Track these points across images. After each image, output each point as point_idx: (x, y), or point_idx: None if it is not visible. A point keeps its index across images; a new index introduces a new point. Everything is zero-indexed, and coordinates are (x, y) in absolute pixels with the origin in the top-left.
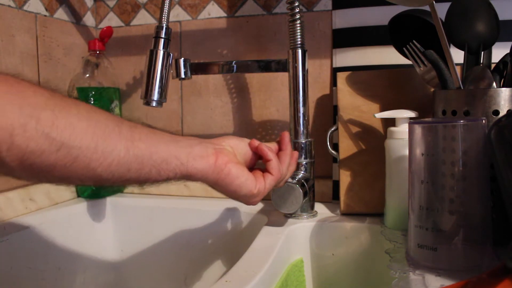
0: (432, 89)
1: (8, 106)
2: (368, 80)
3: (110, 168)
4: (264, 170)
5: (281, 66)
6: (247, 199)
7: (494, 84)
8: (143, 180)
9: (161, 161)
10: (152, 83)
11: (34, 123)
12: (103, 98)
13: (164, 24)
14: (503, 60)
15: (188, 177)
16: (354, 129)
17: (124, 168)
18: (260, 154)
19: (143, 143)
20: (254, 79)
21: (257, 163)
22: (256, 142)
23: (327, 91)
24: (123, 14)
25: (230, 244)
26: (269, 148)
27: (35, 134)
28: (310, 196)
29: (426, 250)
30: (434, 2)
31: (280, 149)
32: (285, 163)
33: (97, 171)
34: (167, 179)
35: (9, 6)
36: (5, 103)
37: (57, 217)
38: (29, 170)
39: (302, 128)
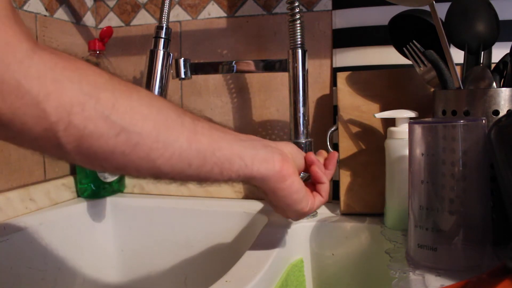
0: (432, 89)
1: (67, 82)
2: (368, 80)
3: (170, 161)
4: (313, 189)
5: (281, 66)
6: (296, 215)
7: (494, 84)
8: (204, 178)
9: (225, 159)
10: (152, 83)
11: (94, 103)
12: None
13: (164, 24)
14: (503, 60)
15: (250, 180)
16: (354, 129)
17: (185, 162)
18: (314, 175)
19: (206, 137)
20: (254, 79)
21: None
22: (312, 157)
23: (327, 91)
24: (123, 14)
25: (230, 244)
26: (322, 169)
27: (94, 114)
28: None
29: (426, 250)
30: (434, 2)
31: (325, 167)
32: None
33: (156, 163)
34: (228, 180)
35: None
36: (63, 78)
37: (57, 217)
38: (86, 155)
39: (302, 128)
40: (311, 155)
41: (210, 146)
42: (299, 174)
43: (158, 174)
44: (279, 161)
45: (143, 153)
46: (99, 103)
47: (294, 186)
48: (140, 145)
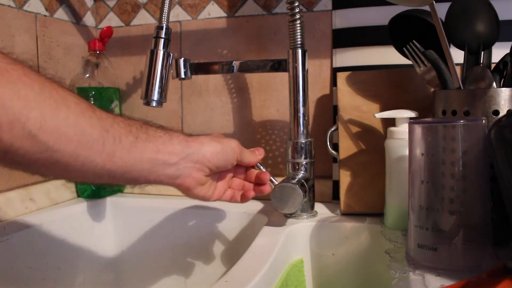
0: (432, 89)
1: None
2: (368, 80)
3: (84, 176)
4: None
5: (281, 66)
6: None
7: (494, 84)
8: (109, 185)
9: (131, 179)
10: (152, 83)
11: (23, 122)
12: (103, 98)
13: (164, 24)
14: (503, 60)
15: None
16: (354, 129)
17: (96, 177)
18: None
19: (121, 160)
20: (254, 79)
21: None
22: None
23: (327, 91)
24: (123, 14)
25: (230, 244)
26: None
27: (22, 134)
28: (310, 196)
29: (426, 250)
30: (434, 2)
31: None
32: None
33: (71, 175)
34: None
35: (9, 6)
36: None
37: (57, 217)
38: (9, 163)
39: (302, 128)
40: (258, 152)
41: (121, 169)
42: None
43: (70, 180)
44: (182, 179)
45: (61, 168)
46: (28, 122)
47: (191, 193)
48: (61, 162)
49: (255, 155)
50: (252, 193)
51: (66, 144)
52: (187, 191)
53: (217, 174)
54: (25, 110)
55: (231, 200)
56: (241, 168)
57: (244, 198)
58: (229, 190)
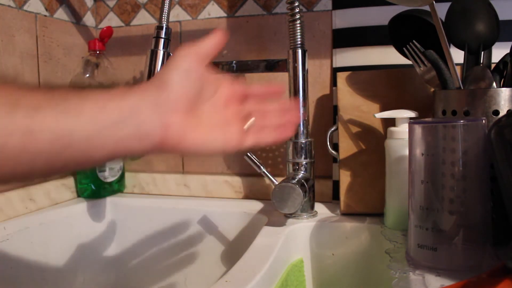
0: (432, 89)
1: None
2: (368, 80)
3: (5, 168)
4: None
5: (281, 66)
6: (215, 152)
7: (494, 84)
8: (60, 172)
9: (80, 156)
10: None
11: None
12: None
13: (164, 24)
14: (503, 60)
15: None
16: (354, 129)
17: (26, 167)
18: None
19: (48, 133)
20: (254, 79)
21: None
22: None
23: (327, 91)
24: (123, 14)
25: (230, 244)
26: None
27: None
28: (310, 196)
29: (426, 250)
30: (434, 2)
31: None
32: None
33: None
34: (94, 165)
35: (9, 6)
36: None
37: (57, 217)
38: None
39: (302, 128)
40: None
41: (54, 145)
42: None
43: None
44: (158, 131)
45: None
46: None
47: (195, 142)
48: None
49: (213, 36)
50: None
51: None
52: (178, 146)
53: (201, 106)
54: None
55: (257, 141)
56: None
57: (293, 119)
58: (249, 133)
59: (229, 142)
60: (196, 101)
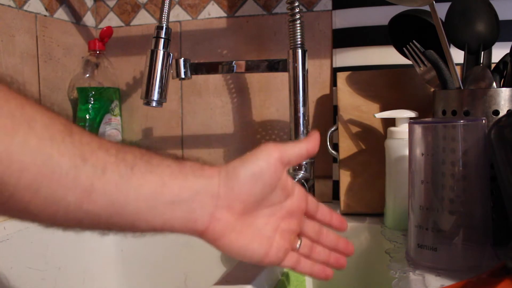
0: (432, 89)
1: None
2: (368, 80)
3: (54, 218)
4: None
5: (281, 66)
6: (254, 263)
7: (494, 84)
8: (103, 232)
9: (125, 224)
10: (152, 83)
11: None
12: (103, 98)
13: (164, 24)
14: (503, 60)
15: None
16: (354, 129)
17: (74, 222)
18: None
19: (105, 198)
20: (254, 79)
21: None
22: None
23: (327, 91)
24: (123, 14)
25: None
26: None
27: None
28: None
29: (426, 250)
30: (434, 2)
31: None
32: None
33: (38, 216)
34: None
35: (9, 6)
36: None
37: None
38: None
39: (302, 128)
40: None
41: (106, 211)
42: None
43: (41, 224)
44: (203, 222)
45: (20, 206)
46: None
47: (232, 247)
48: (16, 198)
49: (305, 143)
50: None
51: (20, 174)
52: (216, 242)
53: (260, 211)
54: None
55: (313, 272)
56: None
57: (336, 264)
58: (301, 257)
59: (270, 257)
60: (258, 205)
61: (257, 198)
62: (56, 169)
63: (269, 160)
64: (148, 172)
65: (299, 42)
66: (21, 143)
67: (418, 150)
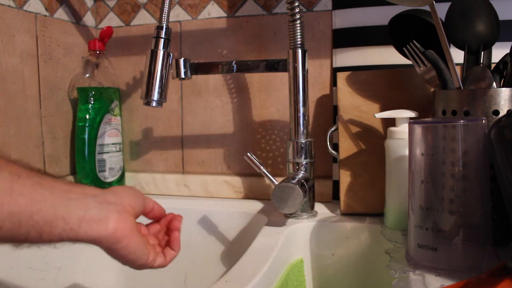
0: (432, 89)
1: None
2: (368, 80)
3: None
4: (164, 243)
5: (281, 66)
6: (137, 268)
7: (494, 84)
8: (19, 241)
9: (44, 223)
10: (152, 83)
11: None
12: (103, 98)
13: (164, 24)
14: (503, 60)
15: (76, 241)
16: (354, 129)
17: None
18: (173, 240)
19: (24, 198)
20: (254, 79)
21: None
22: (152, 205)
23: (327, 91)
24: (123, 14)
25: (230, 244)
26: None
27: None
28: (310, 196)
29: (426, 250)
30: (434, 2)
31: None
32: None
33: None
34: (50, 242)
35: (9, 6)
36: None
37: None
38: None
39: (302, 128)
40: (151, 201)
41: (27, 208)
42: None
43: None
44: (114, 221)
45: None
46: None
47: (131, 246)
48: None
49: (158, 205)
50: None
51: None
52: (123, 242)
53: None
54: None
55: (170, 258)
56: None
57: (171, 245)
58: (159, 250)
59: (153, 260)
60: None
61: (136, 210)
62: None
63: (139, 192)
64: (54, 180)
65: (299, 42)
66: None
67: (418, 150)
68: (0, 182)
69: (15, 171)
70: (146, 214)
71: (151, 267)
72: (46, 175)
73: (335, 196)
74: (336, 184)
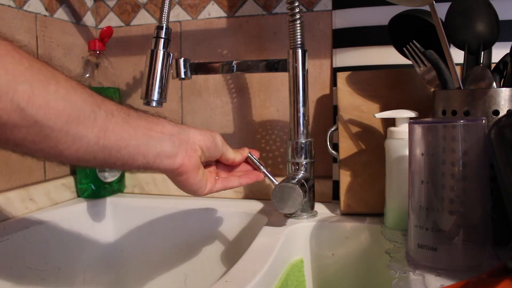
0: (432, 89)
1: None
2: (368, 80)
3: (77, 153)
4: (226, 172)
5: (281, 66)
6: (194, 195)
7: (494, 84)
8: (107, 166)
9: (128, 157)
10: (152, 83)
11: (11, 95)
12: None
13: (164, 24)
14: (503, 60)
15: (149, 170)
16: (354, 129)
17: (91, 156)
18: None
19: (115, 135)
20: (254, 79)
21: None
22: (232, 160)
23: (327, 91)
24: (123, 14)
25: (230, 244)
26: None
27: (10, 107)
28: (310, 196)
29: (426, 250)
30: (434, 2)
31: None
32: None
33: (63, 153)
34: (129, 170)
35: (9, 6)
36: None
37: (57, 217)
38: None
39: (302, 128)
40: (241, 156)
41: (116, 145)
42: (211, 163)
43: (64, 161)
44: (181, 158)
45: (52, 144)
46: (16, 95)
47: (190, 180)
48: (50, 137)
49: (239, 153)
50: (249, 178)
51: (56, 118)
52: (184, 176)
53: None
54: (13, 83)
55: (224, 186)
56: (224, 166)
57: (245, 178)
58: (219, 180)
59: (208, 186)
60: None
61: (208, 150)
62: (80, 113)
63: (219, 139)
64: (139, 118)
65: (299, 42)
66: (54, 93)
67: (418, 150)
68: (99, 121)
69: (109, 110)
70: (224, 162)
71: (206, 194)
72: (133, 110)
73: (335, 196)
74: (336, 184)
